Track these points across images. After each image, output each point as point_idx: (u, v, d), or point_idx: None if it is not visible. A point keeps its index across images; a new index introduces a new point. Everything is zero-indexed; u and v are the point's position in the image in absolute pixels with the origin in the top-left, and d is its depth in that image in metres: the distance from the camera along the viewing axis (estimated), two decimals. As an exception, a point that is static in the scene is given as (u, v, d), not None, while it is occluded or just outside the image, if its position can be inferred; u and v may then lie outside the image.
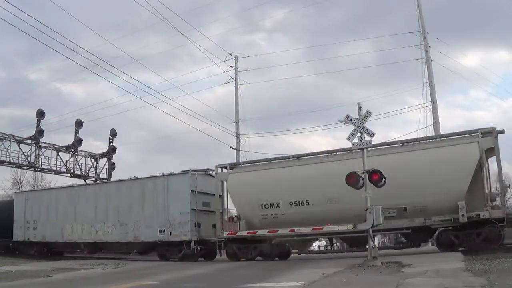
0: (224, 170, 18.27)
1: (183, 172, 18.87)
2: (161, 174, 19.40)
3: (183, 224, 18.12)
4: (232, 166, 18.57)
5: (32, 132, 27.53)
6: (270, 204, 16.66)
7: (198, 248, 18.08)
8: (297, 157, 17.28)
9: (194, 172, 18.68)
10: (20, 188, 40.84)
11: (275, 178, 16.90)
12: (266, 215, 16.70)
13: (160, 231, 18.58)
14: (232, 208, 18.87)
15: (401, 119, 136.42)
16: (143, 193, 19.62)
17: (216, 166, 18.59)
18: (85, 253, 21.82)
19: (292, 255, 24.96)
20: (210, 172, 19.27)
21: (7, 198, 34.55)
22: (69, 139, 30.08)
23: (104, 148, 33.61)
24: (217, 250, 18.56)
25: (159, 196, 19.00)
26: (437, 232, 15.03)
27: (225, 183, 18.09)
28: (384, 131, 76.69)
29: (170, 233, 18.32)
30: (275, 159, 18.18)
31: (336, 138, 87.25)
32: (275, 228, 16.36)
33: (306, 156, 17.28)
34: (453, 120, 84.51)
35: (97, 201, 21.09)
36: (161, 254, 19.14)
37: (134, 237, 19.40)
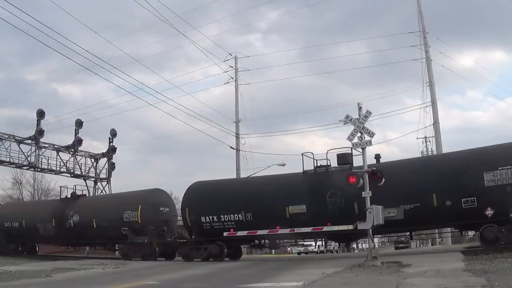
0: None
1: None
2: None
3: None
4: None
5: (30, 132, 27.57)
6: None
7: None
8: None
9: None
10: (20, 188, 40.80)
11: None
12: None
13: None
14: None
15: (398, 120, 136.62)
16: None
17: None
18: None
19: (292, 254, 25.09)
20: None
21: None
22: (67, 140, 30.14)
23: (101, 148, 33.71)
24: None
25: None
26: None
27: None
28: (381, 132, 76.73)
29: None
30: None
31: (333, 138, 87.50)
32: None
33: None
34: (451, 120, 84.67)
35: None
36: None
37: None
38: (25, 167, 29.41)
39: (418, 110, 26.31)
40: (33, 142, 27.34)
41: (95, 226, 20.57)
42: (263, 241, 17.79)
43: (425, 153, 36.20)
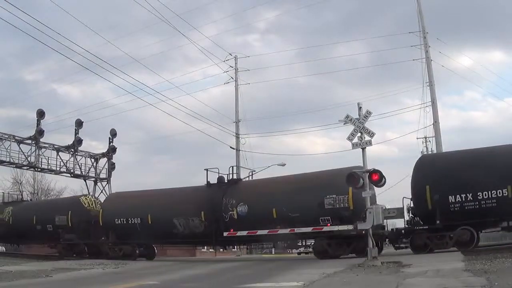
0: None
1: None
2: None
3: None
4: None
5: (30, 132, 27.57)
6: None
7: None
8: None
9: None
10: (20, 188, 40.68)
11: None
12: None
13: None
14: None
15: (398, 120, 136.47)
16: None
17: None
18: None
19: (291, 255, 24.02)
20: None
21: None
22: (67, 140, 30.12)
23: (101, 148, 33.67)
24: None
25: None
26: None
27: None
28: (381, 132, 76.71)
29: None
30: None
31: (333, 139, 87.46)
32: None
33: None
34: (450, 121, 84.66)
35: None
36: None
37: None
38: (25, 167, 29.41)
39: (418, 110, 26.33)
40: (33, 142, 27.33)
41: (275, 216, 16.08)
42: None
43: (425, 153, 36.24)
